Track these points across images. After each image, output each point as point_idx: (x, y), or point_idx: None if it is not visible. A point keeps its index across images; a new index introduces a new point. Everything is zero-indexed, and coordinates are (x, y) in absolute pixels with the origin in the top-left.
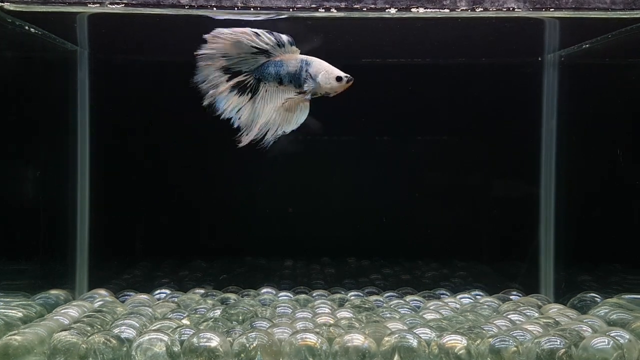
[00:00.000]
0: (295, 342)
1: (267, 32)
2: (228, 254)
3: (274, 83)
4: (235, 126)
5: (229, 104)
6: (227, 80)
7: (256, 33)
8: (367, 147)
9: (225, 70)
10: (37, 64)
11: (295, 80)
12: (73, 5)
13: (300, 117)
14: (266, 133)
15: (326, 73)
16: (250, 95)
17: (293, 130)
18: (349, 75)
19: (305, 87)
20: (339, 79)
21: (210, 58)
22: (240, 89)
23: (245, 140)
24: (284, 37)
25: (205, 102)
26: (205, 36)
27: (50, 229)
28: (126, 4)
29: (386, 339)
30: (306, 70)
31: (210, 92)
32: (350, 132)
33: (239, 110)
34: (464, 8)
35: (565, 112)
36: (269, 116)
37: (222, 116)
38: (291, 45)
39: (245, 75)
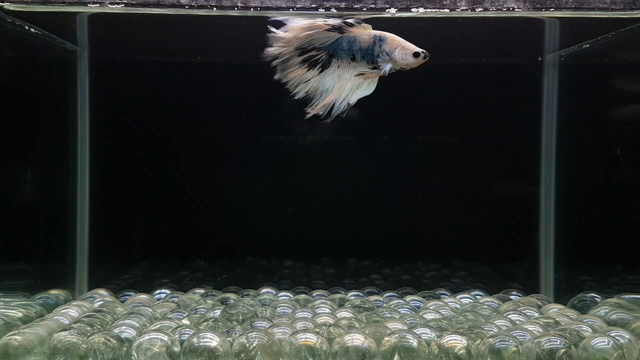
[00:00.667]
0: (295, 342)
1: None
2: (228, 254)
3: (347, 59)
4: (297, 98)
5: (298, 76)
6: (299, 55)
7: (326, 23)
8: (367, 147)
9: (298, 47)
10: (37, 64)
11: (368, 56)
12: (73, 5)
13: (367, 91)
14: (332, 107)
15: (402, 49)
16: (320, 69)
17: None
18: (425, 51)
19: (380, 64)
20: (416, 54)
21: (284, 43)
22: (311, 63)
23: (312, 112)
24: (351, 20)
25: (277, 76)
26: (277, 30)
27: (50, 229)
28: (126, 4)
29: (386, 339)
30: (380, 47)
31: (282, 66)
32: (350, 132)
33: (306, 82)
34: (464, 8)
35: (565, 112)
36: (339, 92)
37: (290, 88)
38: (360, 23)
39: (318, 51)
